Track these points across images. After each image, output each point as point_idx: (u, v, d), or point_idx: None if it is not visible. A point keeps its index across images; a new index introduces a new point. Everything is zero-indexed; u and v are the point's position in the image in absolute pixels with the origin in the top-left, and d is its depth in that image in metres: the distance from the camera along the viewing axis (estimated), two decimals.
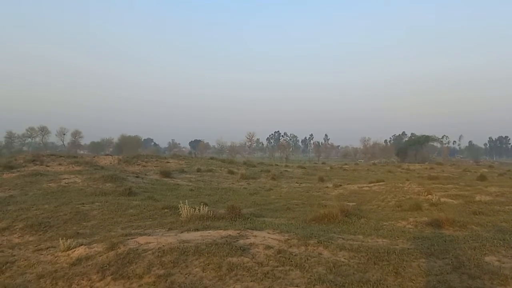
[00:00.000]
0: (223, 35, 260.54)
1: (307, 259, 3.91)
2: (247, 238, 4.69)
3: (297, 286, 3.29)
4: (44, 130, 76.80)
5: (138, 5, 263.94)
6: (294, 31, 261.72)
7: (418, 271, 3.58)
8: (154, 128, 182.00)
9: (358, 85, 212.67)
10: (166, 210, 7.55)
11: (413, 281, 3.35)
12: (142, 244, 4.52)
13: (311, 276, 3.47)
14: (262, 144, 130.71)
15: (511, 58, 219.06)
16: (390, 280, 3.39)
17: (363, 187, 13.64)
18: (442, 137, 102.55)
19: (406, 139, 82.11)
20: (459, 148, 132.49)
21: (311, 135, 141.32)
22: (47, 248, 4.95)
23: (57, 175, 13.05)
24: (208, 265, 3.78)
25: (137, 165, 20.33)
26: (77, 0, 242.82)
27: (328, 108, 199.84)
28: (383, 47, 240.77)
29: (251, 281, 3.41)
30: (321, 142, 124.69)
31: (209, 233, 5.03)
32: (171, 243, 4.49)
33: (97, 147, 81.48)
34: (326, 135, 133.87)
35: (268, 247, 4.31)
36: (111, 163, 20.68)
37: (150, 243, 4.56)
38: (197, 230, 5.31)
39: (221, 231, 5.13)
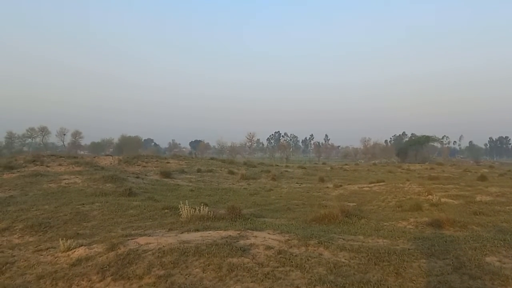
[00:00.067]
0: (223, 35, 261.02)
1: (308, 259, 3.90)
2: (247, 239, 4.68)
3: (298, 287, 3.29)
4: (44, 131, 76.88)
5: (138, 5, 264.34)
6: (294, 31, 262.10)
7: (418, 271, 3.57)
8: (154, 128, 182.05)
9: (358, 85, 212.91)
10: (166, 211, 7.55)
11: (414, 282, 3.35)
12: (142, 245, 4.52)
13: (311, 276, 3.46)
14: (263, 144, 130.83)
15: (511, 58, 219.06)
16: (391, 280, 3.39)
17: (364, 187, 13.62)
18: (443, 137, 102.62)
19: (407, 139, 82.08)
20: (460, 148, 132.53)
21: (312, 135, 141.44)
22: (47, 249, 4.94)
23: (57, 176, 13.05)
24: (208, 266, 3.78)
25: (137, 165, 20.33)
26: (77, 0, 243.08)
27: (328, 108, 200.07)
28: (383, 47, 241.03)
29: (252, 282, 3.40)
30: (322, 143, 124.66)
31: (209, 233, 5.02)
32: (171, 243, 4.48)
33: (97, 147, 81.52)
34: (326, 135, 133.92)
35: (268, 247, 4.31)
36: (111, 163, 20.69)
37: (150, 243, 4.55)
38: (197, 230, 5.31)
39: (221, 231, 5.13)
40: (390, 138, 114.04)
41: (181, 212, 6.58)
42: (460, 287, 3.20)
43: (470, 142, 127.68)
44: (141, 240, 4.74)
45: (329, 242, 4.50)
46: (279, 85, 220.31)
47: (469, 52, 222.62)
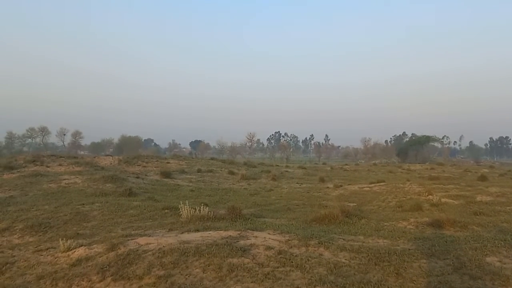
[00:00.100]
0: (223, 35, 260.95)
1: (308, 260, 3.90)
2: (247, 239, 4.68)
3: (298, 287, 3.28)
4: (44, 131, 76.93)
5: (138, 5, 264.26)
6: (294, 31, 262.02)
7: (419, 271, 3.57)
8: (154, 128, 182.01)
9: (358, 85, 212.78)
10: (166, 211, 7.55)
11: (414, 282, 3.34)
12: (142, 245, 4.52)
13: (311, 277, 3.46)
14: (263, 144, 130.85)
15: (511, 58, 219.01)
16: (391, 281, 3.38)
17: (364, 187, 13.62)
18: (443, 138, 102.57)
19: (407, 139, 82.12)
20: (460, 148, 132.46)
21: (312, 135, 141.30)
22: (47, 249, 4.94)
23: (57, 176, 13.05)
24: (208, 266, 3.78)
25: (138, 165, 20.34)
26: (77, 0, 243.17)
27: (328, 108, 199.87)
28: (383, 47, 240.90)
29: (252, 282, 3.40)
30: (322, 143, 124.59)
31: (209, 233, 5.02)
32: (171, 244, 4.48)
33: (98, 147, 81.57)
34: (326, 135, 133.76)
35: (268, 247, 4.30)
36: (111, 163, 20.69)
37: (150, 244, 4.55)
38: (198, 230, 5.30)
39: (221, 231, 5.12)
40: (391, 138, 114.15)
41: (181, 212, 6.57)
42: (460, 287, 3.19)
43: (471, 142, 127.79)
44: (141, 240, 4.73)
45: (330, 243, 4.50)
46: (279, 85, 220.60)
47: (469, 52, 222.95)
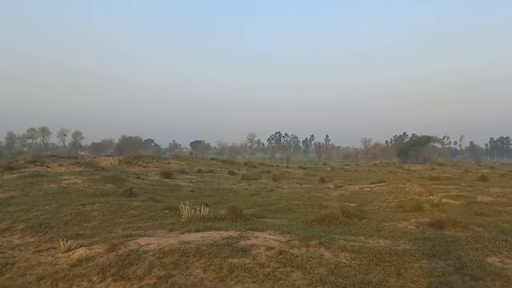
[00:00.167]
0: (223, 35, 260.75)
1: (309, 260, 3.89)
2: (248, 239, 4.68)
3: None
4: (44, 131, 77.03)
5: (138, 5, 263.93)
6: (294, 31, 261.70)
7: (420, 272, 3.56)
8: (154, 128, 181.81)
9: (358, 85, 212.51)
10: (167, 211, 7.55)
11: (415, 283, 3.34)
12: (142, 245, 4.51)
13: (312, 277, 3.45)
14: (263, 144, 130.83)
15: (511, 58, 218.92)
16: (392, 281, 3.38)
17: (364, 188, 13.61)
18: (443, 138, 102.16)
19: (407, 139, 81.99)
20: (460, 148, 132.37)
21: (312, 135, 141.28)
22: (48, 249, 4.94)
23: (58, 176, 13.05)
24: (209, 266, 3.77)
25: (138, 166, 20.35)
26: (77, 0, 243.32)
27: (328, 108, 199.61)
28: (383, 47, 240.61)
29: (252, 283, 3.40)
30: (322, 143, 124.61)
31: (210, 234, 5.02)
32: (172, 244, 4.48)
33: (98, 148, 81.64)
34: (326, 135, 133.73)
35: (269, 248, 4.30)
36: (111, 164, 20.70)
37: (150, 244, 4.55)
38: (198, 231, 5.30)
39: (222, 232, 5.12)
40: (391, 139, 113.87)
41: (181, 213, 6.57)
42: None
43: (471, 142, 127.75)
44: (142, 240, 4.73)
45: (330, 243, 4.49)
46: (279, 85, 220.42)
47: (469, 52, 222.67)
